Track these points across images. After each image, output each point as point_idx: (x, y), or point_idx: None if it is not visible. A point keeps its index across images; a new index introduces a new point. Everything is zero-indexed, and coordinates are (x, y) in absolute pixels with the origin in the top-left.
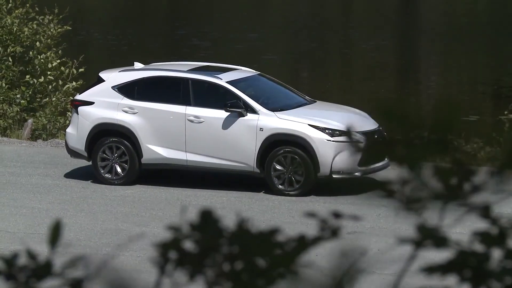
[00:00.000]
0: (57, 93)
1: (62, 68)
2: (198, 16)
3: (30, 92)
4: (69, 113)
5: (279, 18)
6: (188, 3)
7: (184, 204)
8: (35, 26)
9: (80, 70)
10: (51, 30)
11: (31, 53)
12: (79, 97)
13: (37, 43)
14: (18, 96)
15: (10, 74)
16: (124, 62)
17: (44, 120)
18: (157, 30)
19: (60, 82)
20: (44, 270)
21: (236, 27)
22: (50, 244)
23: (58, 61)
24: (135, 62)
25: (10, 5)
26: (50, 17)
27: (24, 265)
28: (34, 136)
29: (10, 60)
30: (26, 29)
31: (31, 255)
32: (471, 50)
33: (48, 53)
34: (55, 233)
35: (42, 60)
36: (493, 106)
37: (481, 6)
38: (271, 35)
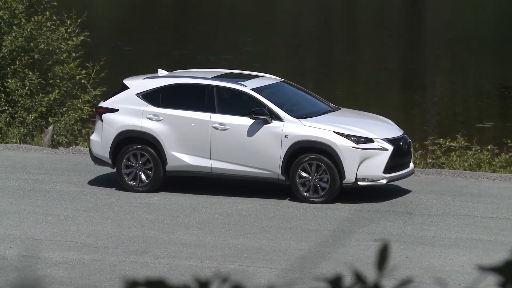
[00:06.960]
0: (74, 102)
1: (81, 76)
2: (205, 28)
3: (49, 99)
4: (83, 128)
5: (286, 28)
6: (195, 13)
7: None
8: (48, 34)
9: (102, 74)
10: (69, 43)
11: (50, 61)
12: (103, 104)
13: (61, 57)
14: (36, 102)
15: (29, 82)
16: (135, 71)
17: (62, 124)
18: (169, 41)
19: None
20: None
21: (245, 37)
22: (378, 267)
23: (78, 70)
24: (159, 69)
25: (30, 10)
26: (69, 30)
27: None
28: (54, 143)
29: (26, 70)
30: (43, 38)
31: (360, 278)
32: (479, 55)
33: (71, 64)
34: (383, 257)
35: (64, 71)
36: (506, 111)
37: (488, 7)
38: (282, 46)
